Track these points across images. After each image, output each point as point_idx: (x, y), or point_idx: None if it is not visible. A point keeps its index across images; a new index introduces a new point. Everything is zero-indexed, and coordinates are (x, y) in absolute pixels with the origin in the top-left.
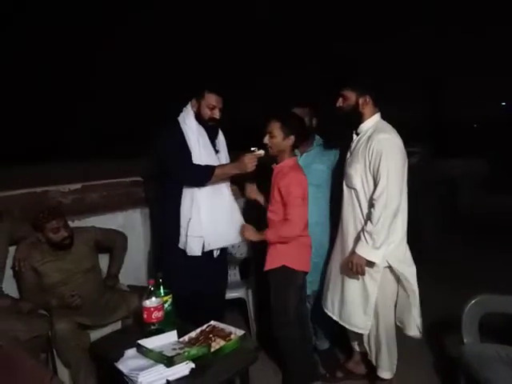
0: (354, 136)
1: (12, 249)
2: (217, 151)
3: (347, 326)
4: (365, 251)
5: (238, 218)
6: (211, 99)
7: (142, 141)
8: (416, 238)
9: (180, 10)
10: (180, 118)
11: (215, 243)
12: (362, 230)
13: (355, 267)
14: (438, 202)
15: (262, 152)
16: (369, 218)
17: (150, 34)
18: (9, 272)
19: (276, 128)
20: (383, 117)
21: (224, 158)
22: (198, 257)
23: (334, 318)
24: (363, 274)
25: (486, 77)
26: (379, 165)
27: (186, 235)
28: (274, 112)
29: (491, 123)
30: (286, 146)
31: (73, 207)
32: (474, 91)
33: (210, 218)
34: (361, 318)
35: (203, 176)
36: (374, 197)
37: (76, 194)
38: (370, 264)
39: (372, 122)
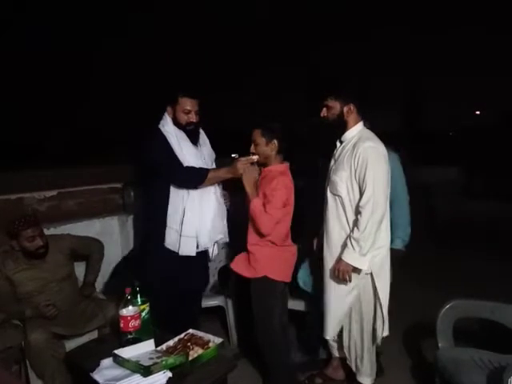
0: (338, 144)
1: None
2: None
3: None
4: (351, 258)
5: (224, 214)
6: (185, 104)
7: (130, 146)
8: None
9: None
10: (160, 126)
11: (206, 242)
12: (349, 237)
13: (341, 274)
14: (415, 208)
15: (255, 157)
16: (355, 225)
17: (143, 38)
18: None
19: (258, 135)
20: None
21: (209, 159)
22: (186, 257)
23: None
24: (350, 280)
25: (463, 86)
26: (365, 173)
27: (180, 235)
28: (255, 122)
29: (467, 131)
30: (271, 151)
31: (49, 214)
32: (451, 99)
33: (201, 217)
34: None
35: (197, 178)
36: (361, 204)
37: (52, 201)
38: (356, 270)
39: (356, 130)
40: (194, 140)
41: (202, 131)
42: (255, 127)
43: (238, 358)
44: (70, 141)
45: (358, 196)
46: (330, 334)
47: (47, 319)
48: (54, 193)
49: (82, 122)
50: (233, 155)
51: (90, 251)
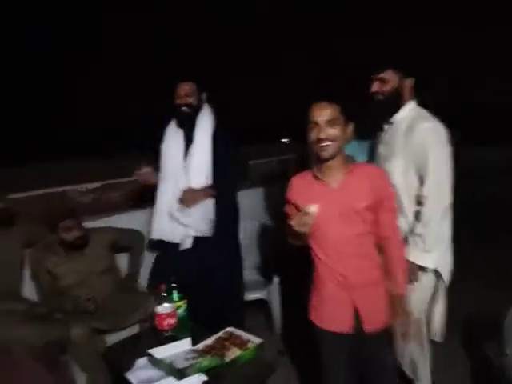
0: (385, 126)
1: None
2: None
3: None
4: (414, 256)
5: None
6: (177, 88)
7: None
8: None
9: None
10: None
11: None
12: (411, 232)
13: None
14: (470, 193)
15: (312, 211)
16: (416, 218)
17: (144, 37)
18: (28, 275)
19: (336, 112)
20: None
21: (194, 140)
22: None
23: None
24: (417, 280)
25: None
26: (425, 158)
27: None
28: (326, 94)
29: None
30: (348, 136)
31: (91, 207)
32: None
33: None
34: None
35: None
36: (424, 194)
37: (95, 193)
38: (421, 269)
39: (408, 109)
40: (185, 123)
41: (204, 114)
42: (332, 102)
43: (283, 354)
44: (72, 141)
45: (415, 184)
46: None
47: (88, 314)
48: (97, 185)
49: (83, 121)
50: (283, 140)
51: (131, 243)
